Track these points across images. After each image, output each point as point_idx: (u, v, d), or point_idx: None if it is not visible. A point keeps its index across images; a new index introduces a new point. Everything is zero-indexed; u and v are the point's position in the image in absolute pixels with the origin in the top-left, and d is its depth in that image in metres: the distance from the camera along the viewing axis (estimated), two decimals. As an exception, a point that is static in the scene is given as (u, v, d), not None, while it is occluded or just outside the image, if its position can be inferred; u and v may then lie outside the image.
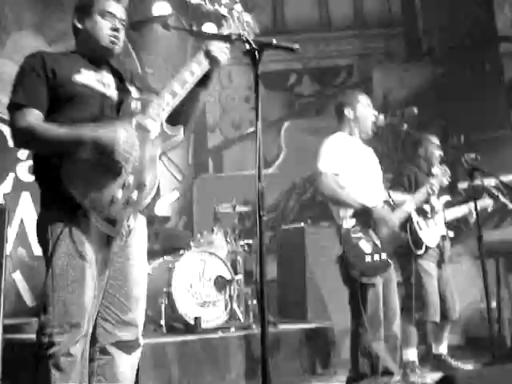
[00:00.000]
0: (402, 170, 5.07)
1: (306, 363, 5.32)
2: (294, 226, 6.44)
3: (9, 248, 5.17)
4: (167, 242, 5.97)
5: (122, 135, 2.35)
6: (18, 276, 6.06)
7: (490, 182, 6.18)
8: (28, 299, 6.12)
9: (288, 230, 6.54)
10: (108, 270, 2.51)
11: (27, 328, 4.96)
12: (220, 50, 2.62)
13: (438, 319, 4.75)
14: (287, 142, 8.71)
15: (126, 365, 2.56)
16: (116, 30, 2.60)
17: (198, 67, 2.59)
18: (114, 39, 2.60)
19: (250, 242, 5.88)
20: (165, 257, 5.57)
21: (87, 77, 2.54)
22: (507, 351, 3.96)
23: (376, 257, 3.77)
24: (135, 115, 2.47)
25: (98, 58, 2.64)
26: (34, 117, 2.41)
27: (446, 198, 5.05)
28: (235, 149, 8.81)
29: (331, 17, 9.23)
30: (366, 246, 3.76)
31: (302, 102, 9.05)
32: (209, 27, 8.34)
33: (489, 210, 5.14)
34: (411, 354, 4.74)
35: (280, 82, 9.00)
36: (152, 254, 5.68)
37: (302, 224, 6.23)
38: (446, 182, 4.58)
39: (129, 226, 2.43)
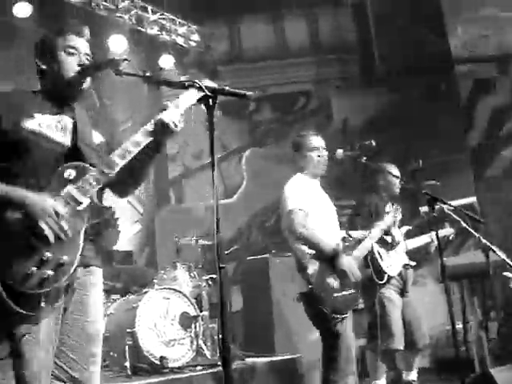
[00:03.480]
0: (362, 200, 5.08)
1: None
2: (258, 257, 6.39)
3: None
4: (129, 280, 5.86)
5: (49, 204, 2.23)
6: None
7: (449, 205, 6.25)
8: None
9: (252, 261, 6.49)
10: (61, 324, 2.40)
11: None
12: (172, 120, 2.44)
13: (401, 347, 4.74)
14: (248, 171, 8.69)
15: None
16: (83, 65, 2.46)
17: (142, 137, 2.43)
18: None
19: (214, 276, 5.80)
20: (128, 296, 5.45)
21: (38, 122, 2.39)
22: (475, 377, 3.96)
23: (344, 292, 3.76)
24: (68, 184, 2.32)
25: (65, 98, 2.52)
26: None
27: (407, 227, 5.09)
28: (196, 179, 8.75)
29: (287, 43, 9.33)
30: (333, 282, 3.75)
31: (261, 129, 9.06)
32: (166, 59, 8.34)
33: (450, 238, 5.20)
34: (380, 385, 4.72)
35: (239, 110, 9.01)
36: (114, 293, 5.57)
37: (267, 255, 6.18)
38: (398, 218, 4.63)
39: None
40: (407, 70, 8.12)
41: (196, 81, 2.31)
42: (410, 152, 7.66)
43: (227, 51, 9.25)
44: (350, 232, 4.23)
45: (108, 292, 5.51)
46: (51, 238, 2.21)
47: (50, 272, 2.20)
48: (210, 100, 2.25)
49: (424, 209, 6.71)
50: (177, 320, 5.17)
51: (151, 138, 2.43)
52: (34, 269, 2.18)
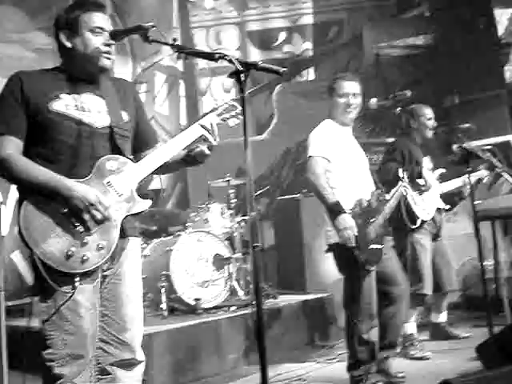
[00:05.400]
0: (395, 145, 5.01)
1: (305, 335, 5.41)
2: (290, 197, 6.41)
3: (5, 228, 4.94)
4: (163, 222, 5.97)
5: (93, 197, 2.32)
6: (16, 256, 6.04)
7: (484, 143, 6.13)
8: (29, 278, 6.11)
9: (284, 201, 6.53)
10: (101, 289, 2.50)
11: (30, 308, 4.96)
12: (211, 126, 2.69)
13: (430, 292, 4.79)
14: (279, 106, 8.57)
15: (129, 381, 2.56)
16: (109, 45, 2.49)
17: (186, 138, 2.61)
18: (108, 55, 2.50)
19: (246, 218, 5.85)
20: (162, 237, 5.57)
21: (65, 103, 2.43)
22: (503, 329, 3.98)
23: (375, 245, 3.77)
24: (109, 174, 2.42)
25: (90, 76, 2.53)
26: (13, 147, 2.36)
27: (441, 170, 5.02)
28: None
29: (320, -29, 8.98)
30: (372, 232, 3.75)
31: (292, 62, 8.85)
32: None
33: (484, 181, 5.13)
34: (410, 328, 4.80)
35: (270, 41, 8.80)
36: (149, 235, 5.70)
37: (298, 195, 6.19)
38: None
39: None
40: (444, 2, 7.77)
41: (227, 54, 2.27)
42: (445, 87, 7.47)
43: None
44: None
45: (143, 234, 5.64)
46: (92, 227, 2.32)
47: (89, 254, 2.30)
48: (242, 75, 2.22)
49: (456, 146, 6.62)
50: (210, 262, 5.30)
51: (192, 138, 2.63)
52: (74, 249, 2.29)
